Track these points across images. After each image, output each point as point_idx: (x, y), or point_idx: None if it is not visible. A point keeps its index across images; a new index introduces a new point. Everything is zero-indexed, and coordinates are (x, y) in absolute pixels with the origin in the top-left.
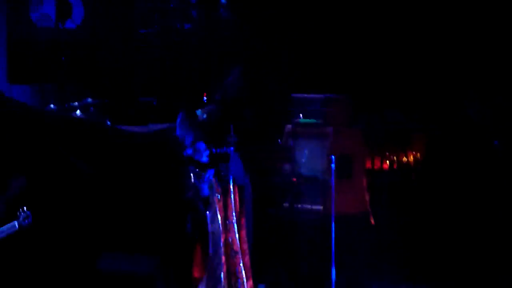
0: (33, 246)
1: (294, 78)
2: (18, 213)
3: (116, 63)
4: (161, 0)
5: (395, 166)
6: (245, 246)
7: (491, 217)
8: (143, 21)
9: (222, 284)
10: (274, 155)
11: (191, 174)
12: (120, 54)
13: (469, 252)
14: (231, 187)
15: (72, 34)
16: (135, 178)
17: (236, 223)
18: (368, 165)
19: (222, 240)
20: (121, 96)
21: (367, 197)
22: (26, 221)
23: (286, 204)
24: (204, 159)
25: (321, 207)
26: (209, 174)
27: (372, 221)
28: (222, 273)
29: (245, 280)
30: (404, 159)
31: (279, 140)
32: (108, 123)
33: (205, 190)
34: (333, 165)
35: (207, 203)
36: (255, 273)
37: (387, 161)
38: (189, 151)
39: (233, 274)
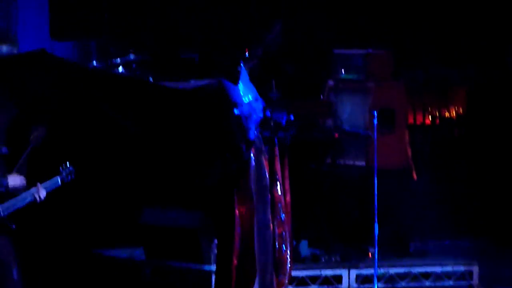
0: (76, 201)
1: (335, 33)
2: (60, 169)
3: (157, 20)
4: None
5: (437, 121)
6: (289, 209)
7: None
8: None
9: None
10: (316, 110)
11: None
12: (162, 10)
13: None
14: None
15: None
16: (178, 133)
17: (281, 183)
18: (410, 120)
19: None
20: (163, 52)
21: (409, 152)
22: (69, 177)
23: (328, 160)
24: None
25: (363, 162)
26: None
27: (415, 176)
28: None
29: (288, 241)
30: (447, 113)
31: (321, 96)
32: (151, 79)
33: (252, 132)
34: (375, 120)
35: (250, 146)
36: (297, 229)
37: (429, 116)
38: (246, 109)
39: (278, 236)
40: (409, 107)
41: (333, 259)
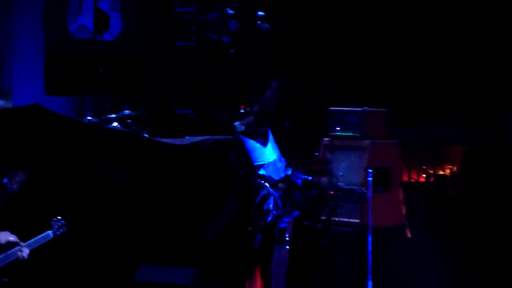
0: (67, 257)
1: (332, 91)
2: (52, 223)
3: (153, 75)
4: (199, 13)
5: (431, 179)
6: None
7: None
8: (181, 34)
9: None
10: (311, 168)
11: (271, 198)
12: (158, 66)
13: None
14: None
15: (110, 46)
16: (172, 189)
17: None
18: (405, 178)
19: None
20: (159, 108)
21: (403, 210)
22: (61, 230)
23: (323, 217)
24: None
25: (358, 220)
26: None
27: (409, 234)
28: None
29: None
30: (441, 172)
31: (316, 153)
32: (146, 135)
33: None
34: (370, 178)
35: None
36: (292, 286)
37: (424, 174)
38: (288, 171)
39: None
40: (404, 165)
41: None
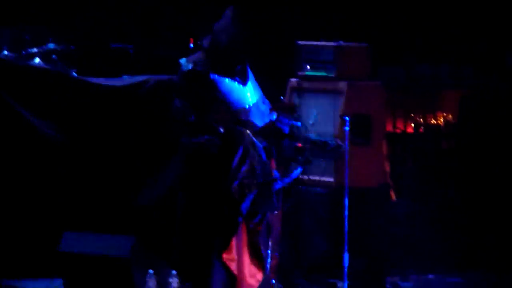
0: None
1: (300, 21)
2: None
3: (85, 2)
4: None
5: (421, 129)
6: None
7: None
8: None
9: None
10: None
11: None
12: None
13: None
14: None
15: None
16: (108, 140)
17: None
18: (389, 128)
19: None
20: (90, 41)
21: (387, 167)
22: None
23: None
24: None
25: (332, 179)
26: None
27: (393, 197)
28: None
29: None
30: (433, 121)
31: (281, 97)
32: (74, 74)
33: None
34: (347, 127)
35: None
36: None
37: (412, 124)
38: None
39: None
40: (388, 112)
41: None
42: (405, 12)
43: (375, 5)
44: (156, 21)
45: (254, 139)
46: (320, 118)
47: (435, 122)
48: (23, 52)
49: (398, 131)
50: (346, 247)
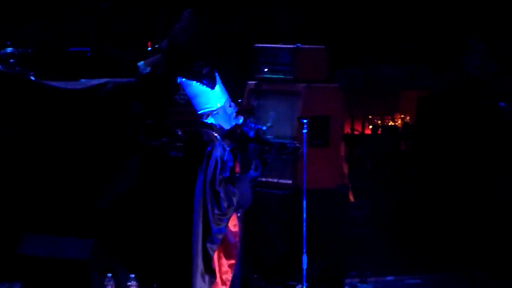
0: None
1: (258, 23)
2: None
3: (42, 5)
4: None
5: (379, 131)
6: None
7: (493, 194)
8: None
9: None
10: None
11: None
12: None
13: (468, 237)
14: None
15: None
16: (64, 144)
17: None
18: (348, 130)
19: None
20: (48, 44)
21: (345, 169)
22: None
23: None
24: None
25: (290, 181)
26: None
27: (351, 198)
28: None
29: None
30: (391, 123)
31: (239, 100)
32: (32, 77)
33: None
34: (304, 130)
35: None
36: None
37: (370, 126)
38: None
39: None
40: (346, 114)
41: None
42: (362, 13)
43: (332, 7)
44: (114, 24)
45: (221, 142)
46: (278, 120)
47: (393, 124)
48: None
49: (356, 132)
50: (304, 250)
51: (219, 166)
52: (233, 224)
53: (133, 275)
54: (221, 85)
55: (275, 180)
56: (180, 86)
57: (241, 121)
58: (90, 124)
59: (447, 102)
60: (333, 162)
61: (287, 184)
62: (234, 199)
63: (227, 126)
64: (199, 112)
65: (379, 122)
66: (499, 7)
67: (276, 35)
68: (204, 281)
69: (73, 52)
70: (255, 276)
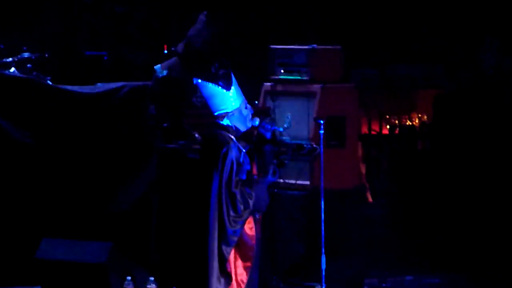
0: None
1: (273, 24)
2: None
3: (59, 11)
4: None
5: (396, 131)
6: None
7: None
8: None
9: None
10: None
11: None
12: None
13: (486, 237)
14: None
15: None
16: (82, 147)
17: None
18: (364, 130)
19: None
20: (65, 49)
21: (363, 169)
22: None
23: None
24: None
25: (307, 182)
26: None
27: (370, 198)
28: None
29: None
30: (408, 122)
31: (255, 101)
32: (49, 82)
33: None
34: (321, 131)
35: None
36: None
37: (387, 125)
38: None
39: None
40: (362, 114)
41: None
42: (377, 13)
43: (347, 7)
44: (130, 28)
45: (237, 143)
46: (294, 121)
47: (410, 123)
48: None
49: (373, 132)
50: (323, 250)
51: (235, 168)
52: (250, 227)
53: (152, 278)
54: (237, 86)
55: (293, 181)
56: (197, 89)
57: (257, 122)
58: (107, 127)
59: (464, 100)
60: (350, 163)
61: (305, 185)
62: (251, 202)
63: (243, 128)
64: (215, 114)
65: (396, 121)
66: None
67: (291, 36)
68: (220, 283)
69: (90, 56)
70: (274, 277)
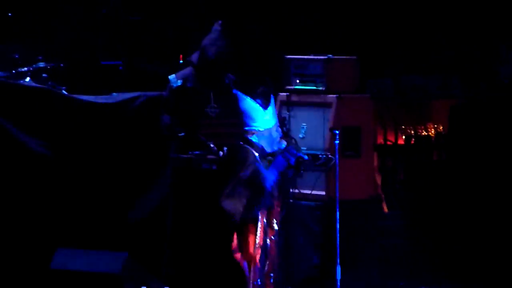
0: None
1: (289, 34)
2: None
3: (73, 20)
4: None
5: (412, 141)
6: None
7: None
8: None
9: None
10: None
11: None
12: (79, 9)
13: (504, 248)
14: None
15: None
16: (97, 158)
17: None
18: (380, 140)
19: None
20: (80, 59)
21: (378, 180)
22: None
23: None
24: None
25: (323, 192)
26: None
27: (385, 209)
28: None
29: None
30: (424, 132)
31: None
32: (64, 91)
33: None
34: (337, 141)
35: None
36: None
37: (403, 136)
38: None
39: None
40: (378, 124)
41: None
42: (392, 23)
43: (362, 18)
44: (145, 37)
45: (260, 162)
46: (309, 131)
47: (426, 134)
48: (13, 71)
49: (389, 143)
50: (338, 260)
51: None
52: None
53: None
54: (274, 107)
55: (308, 192)
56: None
57: (283, 146)
58: (123, 137)
59: (480, 111)
60: (365, 173)
61: (320, 195)
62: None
63: (269, 149)
64: (245, 128)
65: (412, 132)
66: None
67: (307, 46)
68: None
69: (105, 66)
70: (289, 287)
